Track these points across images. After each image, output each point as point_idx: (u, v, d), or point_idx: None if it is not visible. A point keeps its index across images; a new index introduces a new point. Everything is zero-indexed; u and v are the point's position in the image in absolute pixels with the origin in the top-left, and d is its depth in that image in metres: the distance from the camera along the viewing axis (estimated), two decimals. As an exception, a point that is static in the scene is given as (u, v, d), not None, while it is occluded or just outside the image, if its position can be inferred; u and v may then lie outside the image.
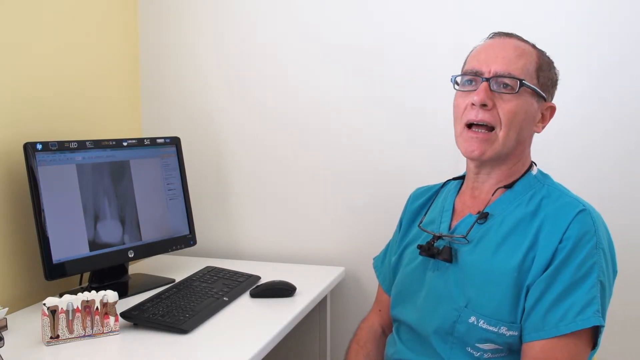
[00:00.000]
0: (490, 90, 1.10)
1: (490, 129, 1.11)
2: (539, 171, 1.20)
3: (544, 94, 1.14)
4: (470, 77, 1.14)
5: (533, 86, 1.11)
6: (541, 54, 1.16)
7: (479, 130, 1.12)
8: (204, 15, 1.89)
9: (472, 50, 1.20)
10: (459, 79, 1.18)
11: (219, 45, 1.89)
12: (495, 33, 1.19)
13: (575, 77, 1.56)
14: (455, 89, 1.19)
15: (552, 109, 1.18)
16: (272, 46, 1.83)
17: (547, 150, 1.49)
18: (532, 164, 1.20)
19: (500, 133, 1.11)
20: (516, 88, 1.10)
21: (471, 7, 1.65)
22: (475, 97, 1.10)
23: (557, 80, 1.18)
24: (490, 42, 1.18)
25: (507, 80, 1.10)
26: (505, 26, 1.23)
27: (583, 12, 1.56)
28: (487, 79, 1.11)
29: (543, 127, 1.18)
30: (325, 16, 1.78)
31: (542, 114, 1.16)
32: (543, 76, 1.14)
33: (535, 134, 1.18)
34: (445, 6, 1.67)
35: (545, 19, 1.59)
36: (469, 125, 1.13)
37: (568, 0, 1.57)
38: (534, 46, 1.16)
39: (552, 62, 1.18)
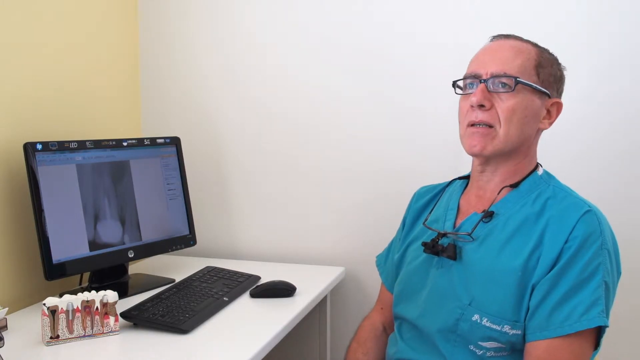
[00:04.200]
0: (488, 91, 1.12)
1: (490, 125, 1.13)
2: (545, 171, 1.21)
3: (546, 90, 1.14)
4: (470, 80, 1.17)
5: (530, 83, 1.12)
6: (541, 51, 1.17)
7: (480, 125, 1.13)
8: (204, 15, 1.89)
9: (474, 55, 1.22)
10: (460, 83, 1.20)
11: (219, 45, 1.89)
12: (495, 36, 1.21)
13: (575, 78, 1.55)
14: (456, 93, 1.21)
15: (559, 105, 1.18)
16: (272, 46, 1.83)
17: (547, 150, 1.48)
18: (537, 164, 1.21)
19: (500, 130, 1.12)
20: (512, 86, 1.11)
21: (471, 6, 1.65)
22: (473, 99, 1.13)
23: (561, 76, 1.19)
24: (489, 45, 1.20)
25: (503, 80, 1.12)
26: (504, 26, 1.24)
27: (583, 12, 1.56)
28: (485, 80, 1.13)
29: (550, 124, 1.18)
30: (325, 16, 1.78)
31: (548, 110, 1.17)
32: (544, 72, 1.14)
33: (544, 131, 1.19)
34: (445, 6, 1.67)
35: (544, 18, 1.58)
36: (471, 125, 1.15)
37: (568, 0, 1.58)
38: (534, 45, 1.17)
39: (556, 59, 1.18)
